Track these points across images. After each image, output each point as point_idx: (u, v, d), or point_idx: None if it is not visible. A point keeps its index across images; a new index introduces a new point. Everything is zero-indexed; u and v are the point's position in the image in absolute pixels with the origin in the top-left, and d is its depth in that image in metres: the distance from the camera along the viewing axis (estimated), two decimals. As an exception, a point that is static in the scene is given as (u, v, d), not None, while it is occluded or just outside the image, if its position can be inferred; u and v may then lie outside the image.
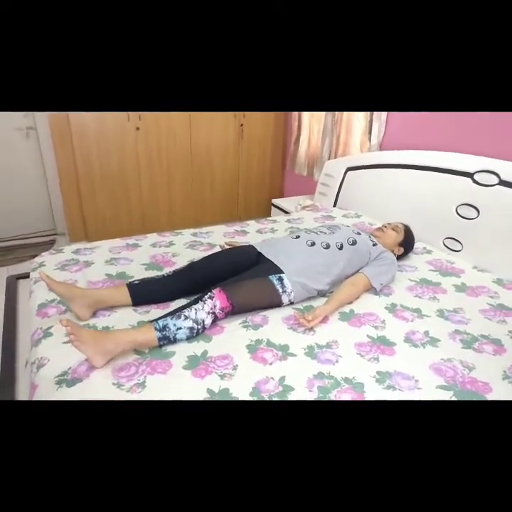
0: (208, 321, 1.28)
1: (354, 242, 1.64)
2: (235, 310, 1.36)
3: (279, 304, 1.45)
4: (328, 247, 1.59)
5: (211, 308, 1.28)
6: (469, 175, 1.96)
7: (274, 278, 1.44)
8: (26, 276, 1.92)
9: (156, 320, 1.25)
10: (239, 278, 1.45)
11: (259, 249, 1.61)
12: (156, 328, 1.21)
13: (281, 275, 1.45)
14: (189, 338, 1.26)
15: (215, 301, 1.30)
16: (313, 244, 1.58)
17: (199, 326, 1.26)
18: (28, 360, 1.38)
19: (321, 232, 1.68)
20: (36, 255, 2.91)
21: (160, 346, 1.22)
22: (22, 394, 1.40)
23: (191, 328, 1.24)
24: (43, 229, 3.41)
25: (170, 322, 1.23)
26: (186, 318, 1.24)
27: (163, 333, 1.21)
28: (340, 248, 1.60)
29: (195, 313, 1.26)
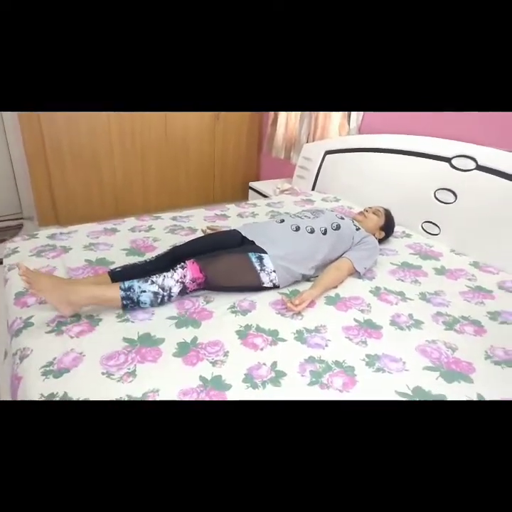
0: (176, 289, 1.31)
1: (338, 227, 1.65)
2: (208, 282, 1.37)
3: (259, 284, 1.44)
4: (312, 231, 1.59)
5: (181, 278, 1.32)
6: (447, 159, 2.00)
7: (253, 255, 1.43)
8: (-2, 262, 1.82)
9: (124, 281, 1.29)
10: (219, 253, 1.45)
11: (243, 234, 1.60)
12: (121, 288, 1.25)
13: (262, 254, 1.45)
14: (153, 304, 1.30)
15: (186, 271, 1.33)
16: (297, 228, 1.58)
17: (165, 293, 1.30)
18: (7, 351, 1.33)
19: (305, 216, 1.68)
20: (3, 240, 2.79)
21: (124, 306, 1.26)
22: (2, 386, 1.34)
23: (156, 293, 1.28)
24: (9, 212, 3.24)
25: (136, 284, 1.27)
26: (153, 283, 1.29)
27: (127, 293, 1.25)
28: (325, 233, 1.61)
29: (163, 279, 1.30)
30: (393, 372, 1.13)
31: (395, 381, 1.10)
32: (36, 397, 0.98)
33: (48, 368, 1.06)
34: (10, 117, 2.86)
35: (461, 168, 1.95)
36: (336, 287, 1.53)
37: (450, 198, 2.01)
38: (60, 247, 1.68)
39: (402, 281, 1.62)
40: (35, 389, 1.01)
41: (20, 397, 1.03)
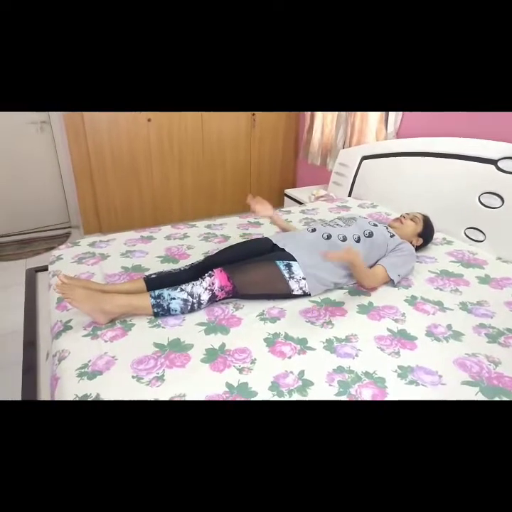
0: (205, 297, 1.33)
1: (371, 234, 1.60)
2: (236, 290, 1.38)
3: (288, 292, 1.42)
4: (344, 239, 1.56)
5: (209, 285, 1.34)
6: (493, 162, 1.89)
7: (281, 263, 1.43)
8: (44, 269, 1.94)
9: (157, 288, 1.34)
10: (247, 261, 1.46)
11: (274, 242, 1.59)
12: (151, 296, 1.30)
13: (291, 262, 1.43)
14: (184, 311, 1.33)
15: (214, 279, 1.35)
16: (329, 237, 1.56)
17: (194, 300, 1.32)
18: (49, 352, 1.40)
19: (337, 224, 1.65)
20: (52, 248, 2.97)
21: (155, 314, 1.31)
22: (43, 385, 1.42)
23: (185, 300, 1.31)
24: (58, 222, 3.45)
25: (165, 292, 1.31)
26: (182, 290, 1.32)
27: (157, 300, 1.30)
28: (358, 241, 1.57)
29: (192, 287, 1.33)
30: (428, 386, 1.07)
31: (429, 395, 1.04)
32: (71, 397, 1.03)
33: (82, 370, 1.11)
34: (59, 132, 3.06)
35: (509, 170, 1.84)
36: (368, 294, 1.48)
37: (496, 202, 1.89)
38: (98, 254, 1.76)
39: (441, 290, 1.54)
40: (71, 389, 1.05)
41: (57, 397, 1.08)
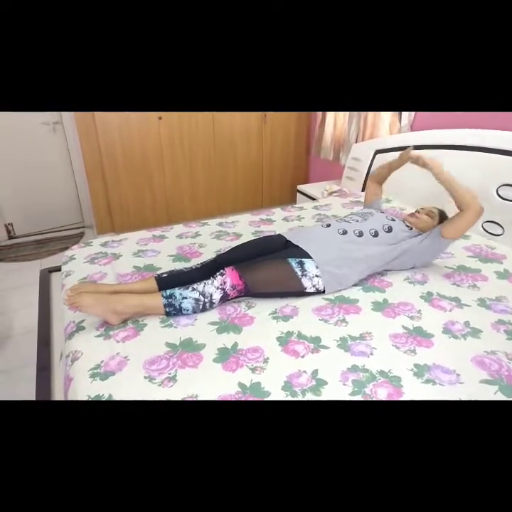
0: (217, 296, 1.32)
1: (390, 229, 1.57)
2: (249, 289, 1.36)
3: (301, 289, 1.40)
4: (361, 235, 1.53)
5: (221, 284, 1.32)
6: (510, 153, 1.83)
7: (293, 260, 1.40)
8: (58, 269, 1.96)
9: (169, 287, 1.34)
10: (258, 260, 1.44)
11: (288, 238, 1.57)
12: (162, 295, 1.30)
13: (303, 259, 1.41)
14: (196, 310, 1.32)
15: (225, 277, 1.34)
16: (345, 232, 1.53)
17: (206, 299, 1.31)
18: (62, 352, 1.41)
19: (353, 219, 1.62)
20: (67, 248, 3.01)
21: (167, 314, 1.30)
22: (57, 385, 1.43)
23: (197, 300, 1.30)
24: (72, 222, 3.49)
25: (177, 291, 1.31)
26: (193, 290, 1.31)
27: (169, 300, 1.29)
28: (375, 235, 1.54)
29: (203, 286, 1.32)
30: (445, 385, 1.04)
31: (446, 394, 1.01)
32: (84, 398, 1.03)
33: (95, 371, 1.11)
34: (71, 133, 3.08)
35: (527, 161, 1.78)
36: (383, 290, 1.44)
37: (515, 194, 1.83)
38: (111, 254, 1.77)
39: (458, 285, 1.50)
40: (84, 390, 1.05)
41: (70, 397, 1.09)
